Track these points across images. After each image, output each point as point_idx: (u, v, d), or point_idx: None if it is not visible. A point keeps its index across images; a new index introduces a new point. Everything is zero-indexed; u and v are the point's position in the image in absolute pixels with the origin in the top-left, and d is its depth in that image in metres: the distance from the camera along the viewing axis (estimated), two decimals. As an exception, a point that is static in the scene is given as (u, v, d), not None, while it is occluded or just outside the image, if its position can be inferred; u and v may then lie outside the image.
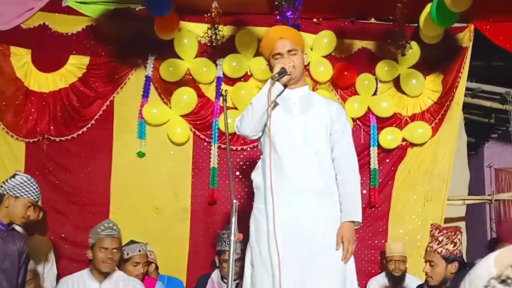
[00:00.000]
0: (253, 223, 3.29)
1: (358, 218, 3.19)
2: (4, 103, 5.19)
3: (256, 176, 3.32)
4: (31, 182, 3.71)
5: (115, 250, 3.92)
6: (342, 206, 3.20)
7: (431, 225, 3.70)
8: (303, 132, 3.19)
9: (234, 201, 2.77)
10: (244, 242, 4.91)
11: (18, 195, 3.62)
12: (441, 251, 3.49)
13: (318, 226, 3.11)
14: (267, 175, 3.12)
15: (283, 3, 4.14)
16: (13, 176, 3.71)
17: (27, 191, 3.65)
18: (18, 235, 3.70)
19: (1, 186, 3.69)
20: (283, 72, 3.08)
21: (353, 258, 3.19)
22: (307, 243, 3.06)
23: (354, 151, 3.34)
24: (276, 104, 3.17)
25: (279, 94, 3.14)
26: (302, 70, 3.28)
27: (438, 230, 3.56)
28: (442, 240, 3.49)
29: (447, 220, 5.49)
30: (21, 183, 3.66)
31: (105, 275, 3.91)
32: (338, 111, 3.33)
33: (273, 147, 3.11)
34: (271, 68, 3.30)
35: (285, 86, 3.17)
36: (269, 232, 3.09)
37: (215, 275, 4.48)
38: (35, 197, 3.70)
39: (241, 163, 5.37)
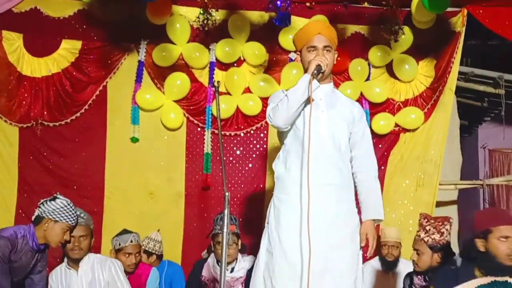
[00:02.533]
0: (273, 211, 3.31)
1: (381, 216, 3.30)
2: (-3, 88, 5.18)
3: (278, 166, 3.36)
4: (71, 207, 3.74)
5: (82, 238, 3.92)
6: (364, 204, 3.30)
7: (420, 214, 3.75)
8: (328, 128, 3.25)
9: (227, 193, 2.80)
10: (247, 227, 5.00)
11: (57, 219, 3.66)
12: (428, 240, 3.56)
13: (337, 221, 3.18)
14: (294, 164, 3.21)
15: (275, -10, 4.12)
16: (54, 199, 3.72)
17: (67, 215, 3.69)
18: (44, 258, 3.81)
19: (39, 207, 3.72)
20: (320, 69, 3.12)
21: (361, 254, 3.27)
22: (326, 237, 3.12)
23: (373, 152, 3.43)
24: (312, 99, 3.17)
25: (315, 89, 3.16)
26: (332, 68, 3.32)
27: (426, 220, 3.62)
28: (429, 230, 3.54)
29: (439, 204, 5.54)
30: (62, 207, 3.68)
31: (78, 262, 3.94)
32: (360, 112, 3.43)
33: (299, 140, 3.18)
34: (302, 59, 3.33)
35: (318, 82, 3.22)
36: (291, 223, 3.15)
37: (211, 259, 4.52)
38: (73, 222, 3.74)
39: (235, 148, 5.39)
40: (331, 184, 3.21)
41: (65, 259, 4.02)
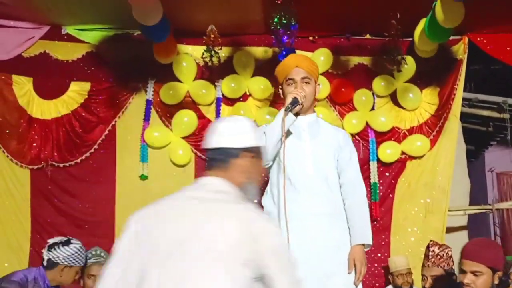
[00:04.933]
0: None
1: (369, 240, 3.27)
2: (8, 131, 5.27)
3: (266, 201, 3.38)
4: (83, 250, 3.78)
5: (96, 278, 3.92)
6: (352, 230, 3.26)
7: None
8: (313, 158, 3.27)
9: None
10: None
11: (73, 264, 3.69)
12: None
13: (329, 249, 3.17)
14: (279, 201, 3.20)
15: (278, 27, 4.20)
16: (67, 244, 3.73)
17: (80, 259, 3.73)
18: None
19: (51, 251, 3.70)
20: (295, 102, 3.17)
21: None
22: (320, 266, 3.11)
23: (361, 177, 3.43)
24: (288, 133, 3.24)
25: (291, 123, 3.22)
26: (313, 99, 3.37)
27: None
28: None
29: (449, 230, 5.53)
30: (76, 252, 3.71)
31: None
32: (346, 138, 3.44)
33: (284, 173, 3.16)
34: (283, 93, 3.39)
35: (297, 115, 3.25)
36: None
37: None
38: (84, 262, 3.80)
39: (243, 181, 5.41)
40: (321, 214, 3.20)
41: None
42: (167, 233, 2.02)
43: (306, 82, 3.32)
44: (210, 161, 2.22)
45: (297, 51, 5.12)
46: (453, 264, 3.61)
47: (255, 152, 2.22)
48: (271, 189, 3.34)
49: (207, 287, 1.88)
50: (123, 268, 2.03)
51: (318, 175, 3.25)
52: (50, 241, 3.80)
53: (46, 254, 3.72)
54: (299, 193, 3.17)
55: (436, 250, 3.62)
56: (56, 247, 3.71)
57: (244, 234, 1.95)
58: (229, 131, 2.21)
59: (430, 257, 3.65)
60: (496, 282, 2.80)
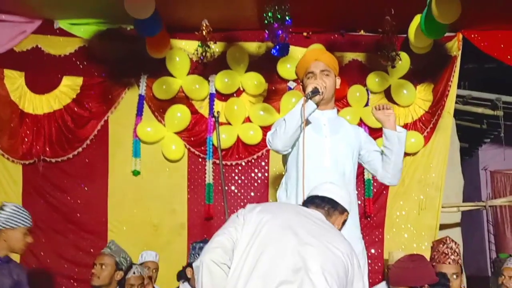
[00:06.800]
0: None
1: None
2: (-1, 126, 5.23)
3: (281, 193, 3.38)
4: (22, 210, 3.67)
5: (101, 266, 3.91)
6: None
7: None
8: (331, 154, 3.26)
9: (229, 217, 2.81)
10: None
11: (14, 226, 3.61)
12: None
13: None
14: (292, 193, 3.22)
15: (272, 22, 4.18)
16: (2, 209, 3.64)
17: (22, 220, 3.63)
18: (14, 267, 3.68)
19: None
20: (316, 91, 3.15)
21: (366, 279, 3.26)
22: None
23: None
24: (308, 122, 3.22)
25: (312, 112, 3.20)
26: (333, 92, 3.36)
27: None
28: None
29: (442, 227, 5.54)
30: (13, 213, 3.62)
31: None
32: (365, 135, 3.50)
33: (303, 165, 3.14)
34: (304, 88, 3.38)
35: (317, 105, 3.23)
36: None
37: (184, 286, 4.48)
38: (29, 223, 3.70)
39: (236, 177, 5.41)
40: None
41: None
42: None
43: (326, 75, 3.32)
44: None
45: (291, 47, 5.09)
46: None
47: None
48: (287, 181, 3.35)
49: None
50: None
51: (335, 169, 3.24)
52: None
53: None
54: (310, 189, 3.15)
55: (454, 246, 3.66)
56: None
57: None
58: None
59: (449, 253, 3.67)
60: None
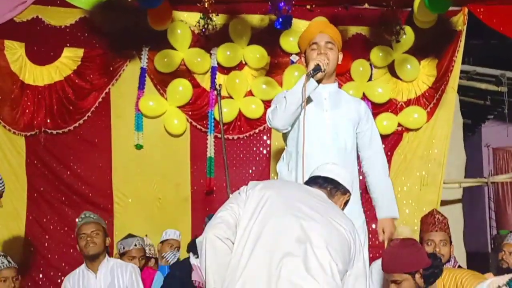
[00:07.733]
0: None
1: (396, 214, 3.45)
2: (0, 97, 5.20)
3: (282, 167, 3.39)
4: None
5: (94, 233, 3.85)
6: (378, 203, 3.43)
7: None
8: (333, 128, 3.27)
9: (231, 195, 2.81)
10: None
11: None
12: None
13: None
14: (293, 167, 3.24)
15: (275, -7, 4.13)
16: None
17: None
18: None
19: None
20: (317, 68, 3.13)
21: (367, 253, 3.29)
22: None
23: (383, 150, 3.51)
24: (309, 100, 3.21)
25: (313, 90, 3.18)
26: (335, 66, 3.35)
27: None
28: None
29: (443, 203, 5.53)
30: None
31: (97, 263, 3.88)
32: (367, 111, 3.46)
33: (304, 140, 3.13)
34: (306, 60, 3.35)
35: (319, 82, 3.21)
36: None
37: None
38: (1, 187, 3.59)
39: (238, 151, 5.40)
40: None
41: (84, 263, 3.95)
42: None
43: (330, 48, 3.29)
44: None
45: (294, 20, 5.03)
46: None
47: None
48: (286, 156, 3.36)
49: None
50: None
51: (335, 144, 3.25)
52: None
53: None
54: (315, 162, 3.12)
55: (440, 217, 3.69)
56: None
57: None
58: None
59: (436, 223, 3.71)
60: (419, 282, 2.90)
